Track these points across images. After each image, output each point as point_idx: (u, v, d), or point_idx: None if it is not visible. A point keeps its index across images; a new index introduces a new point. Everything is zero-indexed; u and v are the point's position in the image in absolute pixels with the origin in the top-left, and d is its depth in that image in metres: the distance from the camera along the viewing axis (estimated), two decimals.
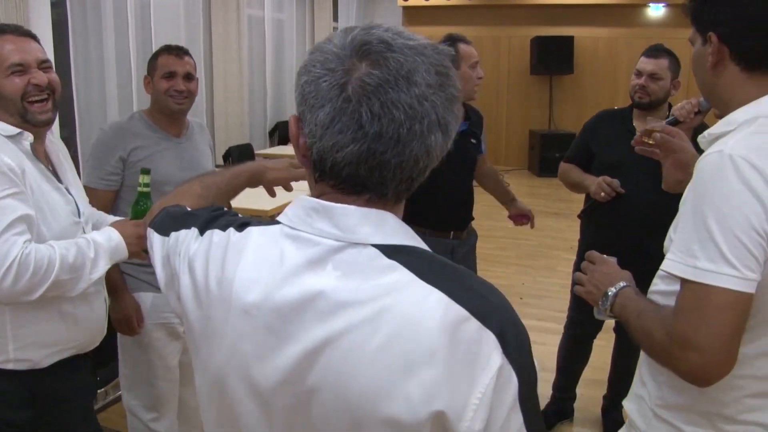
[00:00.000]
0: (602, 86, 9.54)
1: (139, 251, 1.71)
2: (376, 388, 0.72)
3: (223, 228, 0.86)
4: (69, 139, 5.46)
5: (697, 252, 1.01)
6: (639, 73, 2.56)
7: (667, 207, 1.38)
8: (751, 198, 0.99)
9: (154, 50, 6.43)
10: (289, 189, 1.56)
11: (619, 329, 2.87)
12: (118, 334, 2.23)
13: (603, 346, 3.11)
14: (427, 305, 0.73)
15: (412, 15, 10.12)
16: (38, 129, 1.66)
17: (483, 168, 3.00)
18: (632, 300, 1.19)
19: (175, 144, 2.28)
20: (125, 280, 2.20)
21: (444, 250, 2.70)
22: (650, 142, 1.70)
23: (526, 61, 9.76)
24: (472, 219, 2.86)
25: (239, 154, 6.54)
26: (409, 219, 2.99)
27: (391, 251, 0.77)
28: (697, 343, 1.01)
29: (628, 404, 1.30)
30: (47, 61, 1.68)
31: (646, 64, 2.54)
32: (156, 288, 2.24)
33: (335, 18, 9.65)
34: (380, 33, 0.75)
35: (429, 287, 0.74)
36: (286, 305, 0.77)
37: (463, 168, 2.76)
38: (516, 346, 0.74)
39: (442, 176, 2.75)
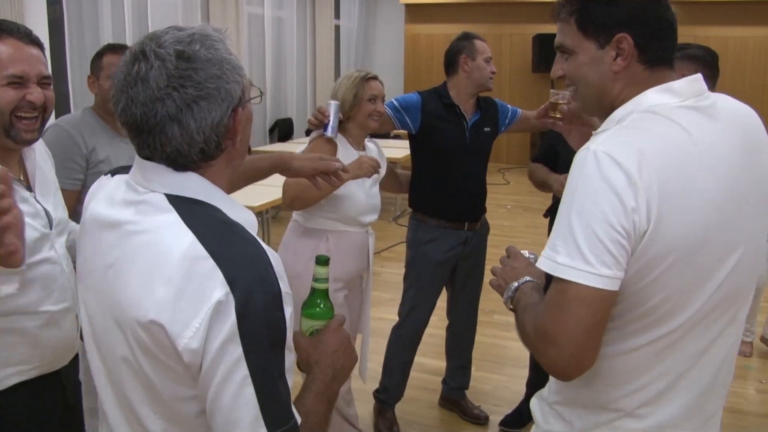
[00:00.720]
0: None
1: None
2: (130, 297, 0.94)
3: (111, 174, 1.13)
4: None
5: (559, 247, 1.02)
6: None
7: None
8: (610, 194, 0.98)
9: None
10: (315, 183, 1.77)
11: None
12: None
13: None
14: (178, 242, 0.92)
15: (415, 12, 10.13)
16: (17, 146, 1.50)
17: (526, 117, 2.91)
18: (526, 295, 1.19)
19: (125, 143, 2.27)
20: None
21: (458, 241, 2.76)
22: (557, 115, 1.68)
23: (527, 59, 9.74)
24: (485, 211, 2.90)
25: None
26: (425, 211, 2.99)
27: (175, 200, 0.97)
28: (555, 338, 1.02)
29: (532, 400, 1.31)
30: (48, 77, 1.53)
31: None
32: None
33: (337, 16, 9.68)
34: (148, 42, 0.96)
35: (186, 230, 0.93)
36: (103, 225, 1.03)
37: (476, 158, 2.81)
38: (244, 291, 0.89)
39: (456, 167, 2.77)
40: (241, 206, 1.05)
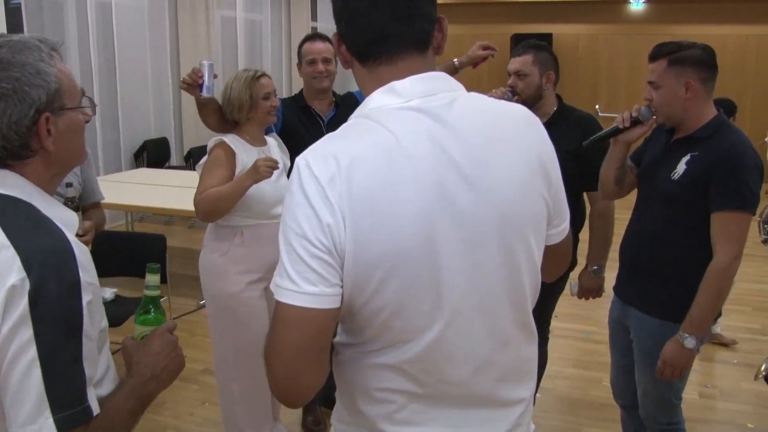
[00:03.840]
0: (582, 83, 9.48)
1: None
2: None
3: None
4: None
5: (278, 268, 0.96)
6: (509, 74, 2.52)
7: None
8: (307, 209, 0.93)
9: (116, 52, 6.48)
10: None
11: None
12: None
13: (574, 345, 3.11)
14: None
15: None
16: None
17: None
18: None
19: None
20: None
21: None
22: None
23: (506, 58, 9.67)
24: None
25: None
26: None
27: None
28: (268, 360, 0.96)
29: None
30: None
31: (511, 63, 2.52)
32: None
33: (314, 18, 9.66)
34: None
35: None
36: None
37: None
38: (40, 277, 0.95)
39: None
40: (61, 206, 1.12)
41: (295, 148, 2.64)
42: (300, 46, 2.74)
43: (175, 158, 7.07)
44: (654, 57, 1.98)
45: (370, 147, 0.95)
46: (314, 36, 2.75)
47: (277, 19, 8.87)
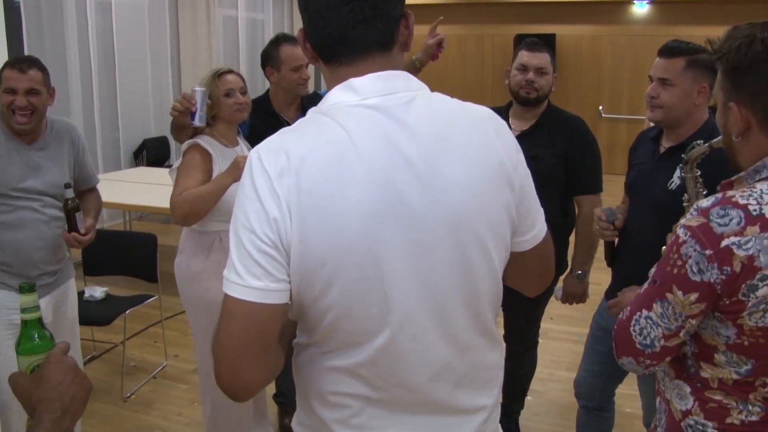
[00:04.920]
0: (586, 84, 9.44)
1: None
2: None
3: None
4: None
5: (228, 262, 0.96)
6: (524, 68, 2.45)
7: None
8: (256, 202, 0.93)
9: (116, 50, 6.48)
10: None
11: None
12: None
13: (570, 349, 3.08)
14: None
15: None
16: None
17: None
18: None
19: (24, 149, 2.26)
20: None
21: None
22: None
23: (509, 59, 9.64)
24: None
25: None
26: None
27: None
28: (213, 353, 0.96)
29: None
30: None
31: (531, 58, 2.44)
32: (4, 285, 2.24)
33: None
34: None
35: None
36: None
37: None
38: None
39: None
40: None
41: None
42: (274, 49, 2.54)
43: (174, 157, 7.07)
44: (670, 53, 1.89)
45: (322, 143, 0.94)
46: (291, 38, 2.56)
47: (279, 19, 8.86)
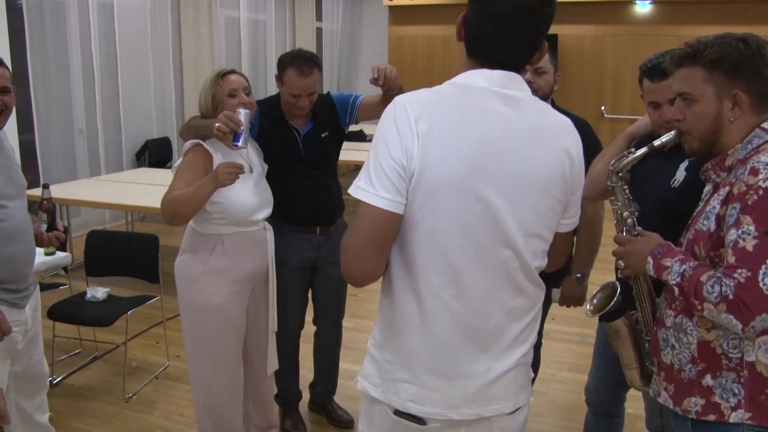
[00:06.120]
0: (588, 85, 9.42)
1: None
2: None
3: None
4: (29, 142, 5.54)
5: (362, 174, 1.27)
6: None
7: None
8: (396, 134, 1.24)
9: (118, 51, 6.49)
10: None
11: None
12: None
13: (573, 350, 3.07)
14: None
15: (398, 15, 10.09)
16: None
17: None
18: None
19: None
20: None
21: (310, 245, 2.72)
22: None
23: None
24: (339, 215, 2.81)
25: None
26: (281, 218, 2.92)
27: None
28: (344, 247, 1.28)
29: None
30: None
31: None
32: None
33: (319, 18, 9.66)
34: None
35: None
36: None
37: (316, 166, 2.66)
38: None
39: (295, 176, 2.65)
40: None
41: (271, 156, 2.59)
42: (282, 65, 2.49)
43: (176, 158, 7.07)
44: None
45: (453, 105, 1.28)
46: (302, 63, 2.45)
47: (282, 19, 8.87)
